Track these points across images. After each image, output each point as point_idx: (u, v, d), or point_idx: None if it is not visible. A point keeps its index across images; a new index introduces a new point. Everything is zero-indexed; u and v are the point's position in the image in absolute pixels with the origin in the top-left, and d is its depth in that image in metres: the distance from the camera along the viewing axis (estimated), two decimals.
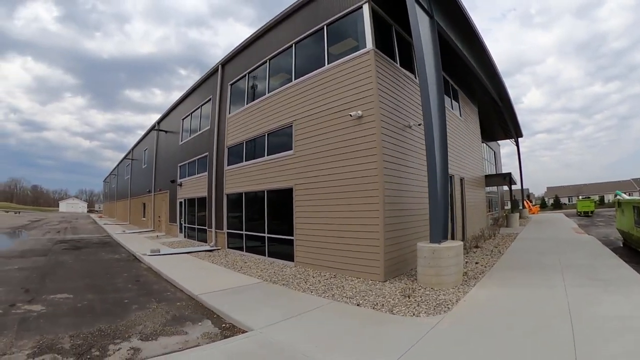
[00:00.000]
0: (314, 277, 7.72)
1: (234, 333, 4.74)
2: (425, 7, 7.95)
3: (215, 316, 5.50)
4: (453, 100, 13.06)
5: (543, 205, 65.49)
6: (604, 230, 18.04)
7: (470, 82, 14.50)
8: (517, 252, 10.26)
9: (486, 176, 17.51)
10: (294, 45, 9.92)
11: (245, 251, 11.55)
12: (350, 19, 8.34)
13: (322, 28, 8.91)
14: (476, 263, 8.55)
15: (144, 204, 25.80)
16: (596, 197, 60.75)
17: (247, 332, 4.69)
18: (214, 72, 14.56)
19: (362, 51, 7.79)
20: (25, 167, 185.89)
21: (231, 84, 13.33)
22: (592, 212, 32.00)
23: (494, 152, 26.83)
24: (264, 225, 10.66)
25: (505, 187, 28.32)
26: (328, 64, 8.62)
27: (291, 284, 7.16)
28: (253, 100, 11.74)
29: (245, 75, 12.36)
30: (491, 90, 15.66)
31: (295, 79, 9.70)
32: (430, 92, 7.18)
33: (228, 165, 13.10)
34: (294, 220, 9.26)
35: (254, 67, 11.75)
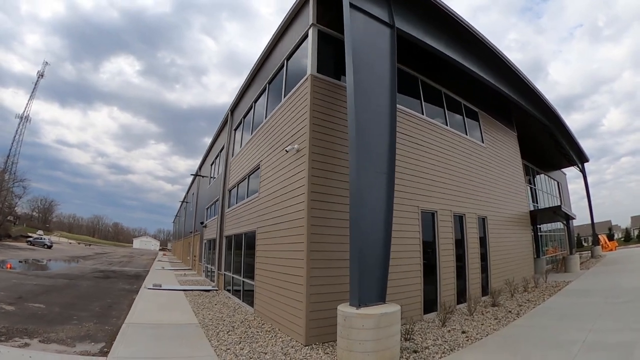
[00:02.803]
0: (250, 329, 7.21)
1: (102, 354, 5.44)
2: (380, 17, 7.05)
3: (111, 341, 6.13)
4: (468, 125, 11.46)
5: (627, 239, 53.24)
6: None
7: (497, 102, 12.78)
8: (540, 316, 7.76)
9: (531, 212, 14.55)
10: (267, 85, 9.99)
11: (232, 294, 11.19)
12: (303, 47, 8.05)
13: (283, 64, 8.80)
14: (463, 332, 6.57)
15: (190, 243, 27.57)
16: None
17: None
18: (225, 118, 15.44)
19: (303, 79, 7.35)
20: (111, 206, 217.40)
21: (234, 130, 13.89)
22: None
23: (557, 183, 22.59)
24: (241, 269, 10.26)
25: (585, 221, 23.53)
26: (283, 99, 8.37)
27: (212, 333, 6.84)
28: (244, 143, 11.98)
29: (241, 120, 12.80)
30: (529, 109, 13.51)
31: (265, 119, 9.63)
32: (358, 102, 5.97)
33: (228, 207, 13.28)
34: (255, 266, 8.69)
35: (246, 111, 12.11)
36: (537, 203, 19.13)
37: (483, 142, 11.85)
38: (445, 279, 8.71)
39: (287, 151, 7.11)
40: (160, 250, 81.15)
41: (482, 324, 7.16)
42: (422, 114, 9.39)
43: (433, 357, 5.35)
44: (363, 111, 5.99)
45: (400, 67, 8.95)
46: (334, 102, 7.15)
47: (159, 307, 9.36)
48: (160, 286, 12.88)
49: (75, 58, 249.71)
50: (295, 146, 6.90)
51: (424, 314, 7.89)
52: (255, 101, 11.12)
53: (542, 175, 20.76)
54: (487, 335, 6.42)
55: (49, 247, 43.39)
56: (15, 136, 75.12)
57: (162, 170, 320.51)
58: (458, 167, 10.08)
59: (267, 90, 10.03)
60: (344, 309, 5.16)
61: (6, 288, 10.72)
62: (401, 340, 5.98)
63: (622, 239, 54.59)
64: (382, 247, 5.72)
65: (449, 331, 6.74)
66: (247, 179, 10.81)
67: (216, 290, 12.81)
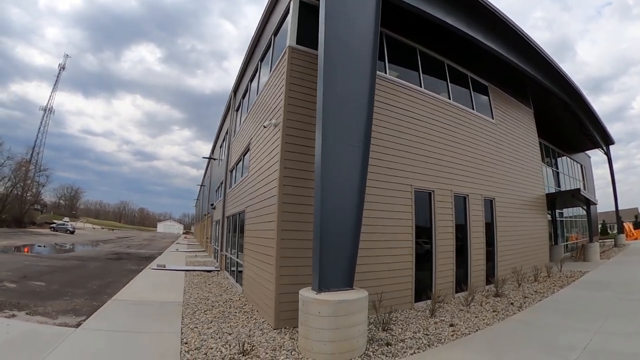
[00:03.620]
0: (229, 309, 7.13)
1: (75, 326, 5.60)
2: None
3: (92, 314, 6.32)
4: (476, 100, 10.70)
5: None
6: None
7: (511, 76, 11.84)
8: (544, 310, 7.06)
9: (547, 195, 13.59)
10: (259, 63, 9.72)
11: (230, 274, 11.27)
12: (288, 20, 7.52)
13: (270, 40, 8.42)
14: (450, 325, 6.07)
15: (205, 226, 28.18)
16: None
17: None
18: (229, 99, 15.26)
19: (282, 51, 6.96)
20: (137, 192, 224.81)
21: (236, 110, 13.73)
22: None
23: (581, 166, 21.03)
24: (236, 249, 10.25)
25: (611, 208, 22.11)
26: (269, 75, 8.04)
27: (190, 311, 6.83)
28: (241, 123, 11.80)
29: (240, 101, 12.64)
30: (547, 85, 12.48)
31: (256, 97, 9.37)
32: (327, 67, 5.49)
33: (229, 188, 13.25)
34: (243, 246, 8.60)
35: (244, 91, 11.89)
36: (559, 186, 17.99)
37: (493, 118, 11.04)
38: (442, 265, 8.26)
39: (265, 127, 6.82)
40: (183, 233, 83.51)
41: (476, 317, 6.63)
42: (420, 86, 8.77)
43: (404, 352, 4.85)
44: (335, 73, 5.51)
45: (395, 36, 8.40)
46: (315, 74, 6.72)
47: (153, 286, 9.52)
48: (164, 266, 13.19)
49: (96, 49, 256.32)
50: (272, 121, 6.59)
51: (415, 302, 7.47)
52: (251, 80, 10.85)
53: (565, 158, 19.41)
54: (477, 330, 5.83)
55: (72, 232, 45.33)
56: (40, 127, 78.68)
57: (186, 155, 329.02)
58: (462, 144, 9.42)
59: (259, 69, 9.72)
60: (304, 293, 4.86)
61: (16, 269, 11.24)
62: (379, 329, 5.73)
63: None
64: (351, 227, 5.28)
65: (436, 323, 6.28)
66: (242, 159, 10.67)
67: (218, 270, 12.96)
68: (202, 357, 4.48)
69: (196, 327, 5.69)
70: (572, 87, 13.82)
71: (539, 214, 12.81)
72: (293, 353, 4.68)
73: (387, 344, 5.13)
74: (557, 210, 17.21)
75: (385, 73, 8.04)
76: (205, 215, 26.38)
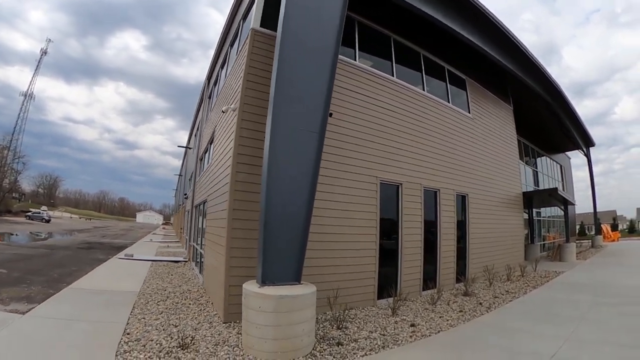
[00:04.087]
0: (184, 300, 6.89)
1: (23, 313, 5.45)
2: None
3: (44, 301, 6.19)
4: (453, 93, 10.43)
5: (632, 230, 52.07)
6: None
7: (491, 71, 11.66)
8: (513, 312, 6.76)
9: (524, 193, 13.49)
10: (228, 49, 9.27)
11: (195, 265, 10.84)
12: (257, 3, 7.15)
13: (239, 25, 7.98)
14: (411, 326, 5.74)
15: (180, 216, 27.55)
16: None
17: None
18: (203, 87, 14.68)
19: (246, 35, 6.53)
20: (118, 181, 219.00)
21: (209, 98, 13.20)
22: None
23: (561, 167, 21.16)
24: (200, 239, 9.81)
25: (590, 210, 22.33)
26: (234, 60, 7.60)
27: (142, 302, 6.63)
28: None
29: (212, 88, 12.08)
30: (528, 82, 12.34)
31: (224, 82, 8.92)
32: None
33: (198, 176, 12.76)
34: (205, 236, 8.18)
35: (215, 78, 11.36)
36: (537, 186, 18.01)
37: (469, 113, 10.80)
38: (408, 262, 7.97)
39: (223, 112, 6.44)
40: (162, 224, 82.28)
41: (440, 317, 6.31)
42: (392, 75, 8.44)
43: (354, 354, 4.49)
44: (293, 50, 5.13)
45: (368, 23, 8.01)
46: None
47: (115, 275, 9.26)
48: (132, 256, 12.92)
49: (80, 34, 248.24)
50: (231, 106, 6.16)
51: (379, 299, 7.17)
52: (221, 67, 10.35)
53: (545, 158, 19.46)
54: (438, 332, 5.49)
55: (47, 221, 44.25)
56: (20, 114, 75.63)
57: (169, 145, 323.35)
58: (435, 137, 9.14)
59: (228, 55, 9.24)
60: (246, 286, 4.51)
61: None
62: (333, 328, 5.41)
63: (627, 230, 53.13)
64: (301, 219, 4.91)
65: (396, 322, 5.94)
66: (209, 148, 10.19)
67: (185, 261, 12.51)
68: (140, 348, 4.26)
69: (144, 318, 5.50)
70: (554, 85, 13.72)
71: (515, 212, 12.69)
72: (235, 349, 4.37)
73: (338, 344, 4.80)
74: (534, 210, 17.23)
75: (355, 60, 7.68)
76: (180, 205, 25.73)
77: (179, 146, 23.69)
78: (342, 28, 5.62)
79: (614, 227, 41.88)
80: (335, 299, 5.86)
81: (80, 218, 74.62)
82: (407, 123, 8.39)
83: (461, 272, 9.42)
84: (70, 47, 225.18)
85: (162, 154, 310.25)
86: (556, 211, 19.45)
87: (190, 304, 6.60)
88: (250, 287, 4.48)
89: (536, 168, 18.28)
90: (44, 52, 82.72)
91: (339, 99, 7.08)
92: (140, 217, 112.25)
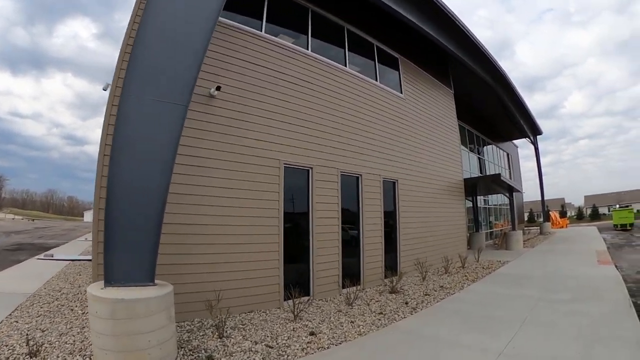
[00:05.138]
0: (74, 302, 6.25)
1: None
2: None
3: None
4: (383, 72, 9.56)
5: (580, 217, 55.48)
6: None
7: (429, 51, 11.03)
8: (443, 312, 5.79)
9: (466, 180, 12.98)
10: None
11: None
12: None
13: None
14: (311, 334, 4.75)
15: None
16: (639, 206, 47.77)
17: None
18: None
19: None
20: (68, 179, 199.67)
21: None
22: (631, 225, 22.41)
23: (508, 155, 21.29)
24: None
25: (539, 197, 22.66)
26: None
27: (29, 303, 6.12)
28: None
29: None
30: (470, 65, 11.83)
31: None
32: None
33: None
34: None
35: None
36: (484, 174, 17.81)
37: (402, 93, 9.99)
38: (323, 256, 6.98)
39: (104, 90, 5.56)
40: None
41: (352, 322, 5.30)
42: (307, 49, 7.41)
43: None
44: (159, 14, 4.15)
45: None
46: None
47: (22, 276, 8.73)
48: (52, 256, 11.74)
49: (28, 22, 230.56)
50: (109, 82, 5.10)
51: (286, 299, 6.11)
52: None
53: (492, 146, 19.36)
54: (340, 343, 4.48)
55: None
56: None
57: None
58: (358, 118, 8.21)
59: None
60: (90, 289, 3.76)
61: None
62: (214, 336, 4.52)
63: (575, 217, 56.51)
64: (154, 206, 3.95)
65: (294, 329, 4.95)
66: None
67: None
68: None
69: (17, 322, 5.05)
70: (497, 69, 13.36)
71: (456, 200, 12.12)
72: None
73: (209, 358, 3.90)
74: (482, 198, 16.98)
75: (261, 31, 6.62)
76: None
77: None
78: None
79: (563, 214, 43.92)
80: (218, 301, 4.87)
81: (23, 219, 68.77)
82: (321, 100, 7.41)
83: (392, 266, 8.58)
84: (18, 36, 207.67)
85: None
86: (505, 199, 19.44)
87: (76, 306, 5.90)
88: (93, 289, 3.72)
89: (483, 156, 18.07)
90: None
91: (236, 72, 6.10)
92: (88, 216, 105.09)
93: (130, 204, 3.85)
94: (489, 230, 17.77)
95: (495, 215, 20.09)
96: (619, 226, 22.66)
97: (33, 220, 68.91)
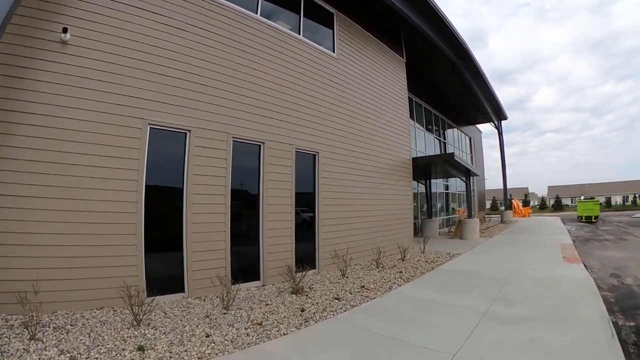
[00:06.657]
0: None
1: None
2: None
3: None
4: (312, 26, 7.95)
5: (543, 207, 56.37)
6: (613, 253, 9.68)
7: (378, 11, 9.63)
8: (336, 334, 3.99)
9: (415, 159, 11.65)
10: None
11: None
12: None
13: None
14: (138, 349, 3.39)
15: None
16: (602, 199, 48.74)
17: None
18: None
19: None
20: None
21: None
22: (596, 217, 22.11)
23: (470, 139, 20.25)
24: None
25: (502, 185, 21.94)
26: None
27: None
28: None
29: None
30: (426, 32, 10.50)
31: None
32: None
33: None
34: None
35: None
36: None
37: (334, 52, 8.42)
38: (202, 242, 5.43)
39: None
40: None
41: (207, 335, 3.83)
42: None
43: None
44: None
45: None
46: None
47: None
48: None
49: None
50: None
51: (149, 296, 4.55)
52: None
53: (454, 130, 18.21)
54: None
55: None
56: None
57: None
58: (267, 75, 6.60)
59: None
60: None
61: None
62: (24, 337, 3.45)
63: (538, 206, 57.63)
64: None
65: (124, 339, 3.64)
66: None
67: None
68: None
69: None
70: (459, 40, 11.98)
71: (401, 181, 10.77)
72: None
73: None
74: (440, 181, 15.85)
75: None
76: None
77: None
78: None
79: (526, 203, 44.23)
80: (36, 294, 3.68)
81: None
82: (215, 50, 5.82)
83: (309, 258, 7.15)
84: None
85: None
86: (455, 185, 18.45)
87: None
88: None
89: (444, 139, 16.88)
90: None
91: (92, 12, 4.57)
92: None
93: None
94: (446, 217, 16.76)
95: (458, 202, 19.17)
96: (583, 218, 22.29)
97: None
